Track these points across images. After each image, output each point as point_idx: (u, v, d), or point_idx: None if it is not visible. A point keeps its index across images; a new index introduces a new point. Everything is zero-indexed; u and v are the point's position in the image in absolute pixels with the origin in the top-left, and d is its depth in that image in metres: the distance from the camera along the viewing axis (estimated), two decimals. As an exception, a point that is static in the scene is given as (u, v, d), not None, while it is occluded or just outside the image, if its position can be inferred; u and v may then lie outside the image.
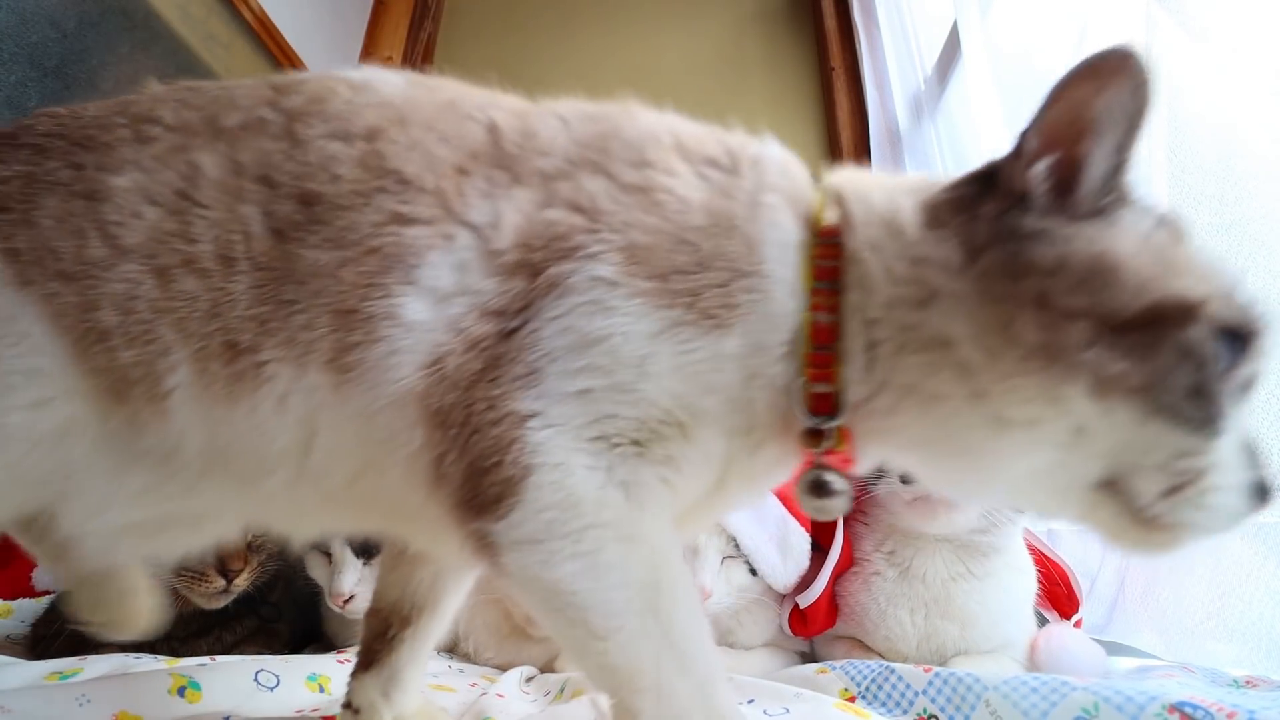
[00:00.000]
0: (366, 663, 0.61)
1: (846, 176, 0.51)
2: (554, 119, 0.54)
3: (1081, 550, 1.15)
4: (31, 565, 0.88)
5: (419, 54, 2.66)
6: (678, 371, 0.42)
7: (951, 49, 1.74)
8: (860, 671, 0.85)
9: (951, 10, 1.69)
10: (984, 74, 1.47)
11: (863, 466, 0.48)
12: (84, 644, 0.88)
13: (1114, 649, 1.00)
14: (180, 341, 0.47)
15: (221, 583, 0.94)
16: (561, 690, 0.86)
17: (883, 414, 0.45)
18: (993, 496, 0.43)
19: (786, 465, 0.48)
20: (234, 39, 2.05)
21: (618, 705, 0.41)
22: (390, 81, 0.54)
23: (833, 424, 0.44)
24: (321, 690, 0.77)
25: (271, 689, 0.72)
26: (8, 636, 0.98)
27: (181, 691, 0.63)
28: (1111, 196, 0.42)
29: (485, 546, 0.42)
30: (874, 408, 0.45)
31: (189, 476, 0.50)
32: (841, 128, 2.13)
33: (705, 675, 0.40)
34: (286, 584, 1.10)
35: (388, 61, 2.61)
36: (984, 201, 0.44)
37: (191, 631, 0.93)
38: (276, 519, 0.57)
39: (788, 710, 0.69)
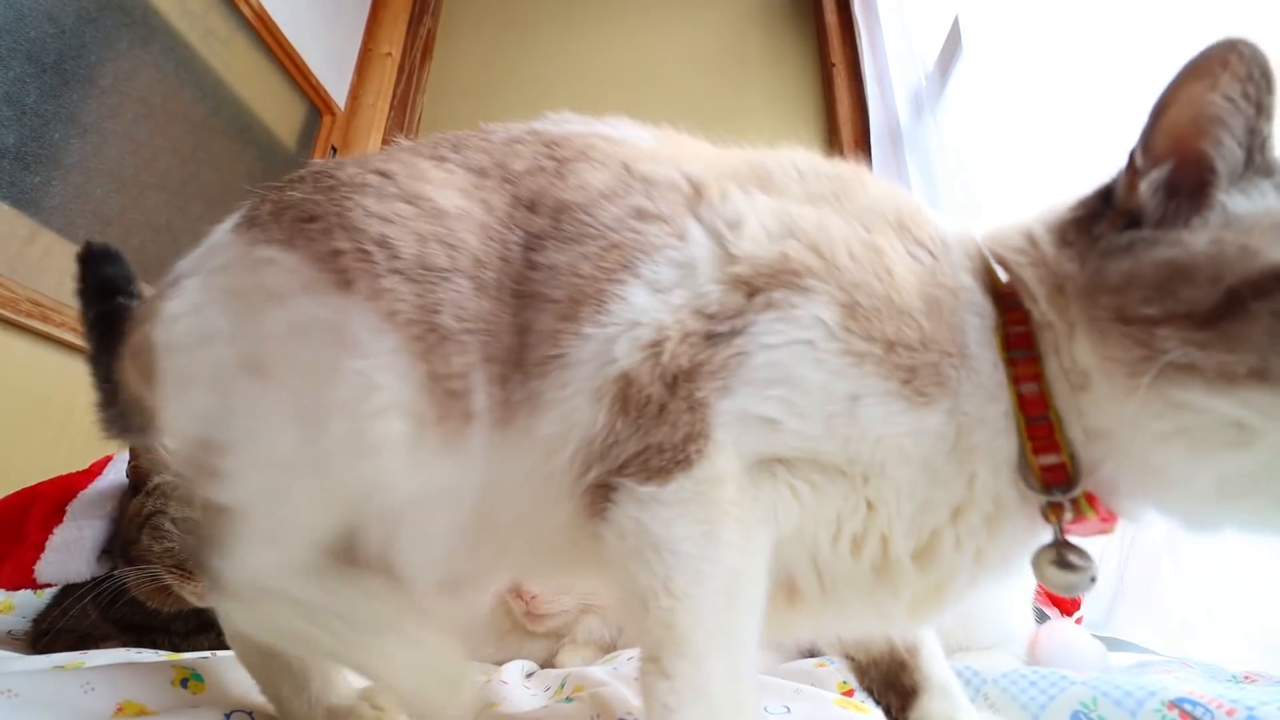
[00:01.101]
0: (910, 695, 0.59)
1: (995, 230, 0.51)
2: (790, 166, 0.55)
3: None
4: (34, 556, 0.88)
5: (418, 50, 2.65)
6: (871, 437, 0.44)
7: (953, 45, 1.74)
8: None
9: (953, 6, 1.69)
10: (985, 70, 1.47)
11: (1130, 518, 0.46)
12: (85, 640, 0.89)
13: (1114, 644, 1.01)
14: (481, 361, 0.48)
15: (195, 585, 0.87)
16: (562, 685, 0.86)
17: (1113, 461, 0.43)
18: (1232, 521, 0.42)
19: (1035, 539, 0.47)
20: (233, 35, 2.05)
21: (652, 663, 0.42)
22: (644, 135, 0.59)
23: (1072, 494, 0.43)
24: (323, 685, 0.78)
25: (273, 683, 0.72)
26: (9, 632, 0.98)
27: (185, 683, 0.63)
28: (1249, 180, 0.41)
29: (605, 497, 0.45)
30: (1101, 458, 0.44)
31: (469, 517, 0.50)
32: (842, 124, 2.12)
33: (743, 671, 0.43)
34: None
35: (386, 58, 2.60)
36: (1099, 220, 0.44)
37: (192, 628, 0.92)
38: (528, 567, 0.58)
39: (788, 709, 0.69)
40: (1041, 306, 0.45)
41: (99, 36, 1.61)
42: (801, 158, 0.56)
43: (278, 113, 2.25)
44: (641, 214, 0.50)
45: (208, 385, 0.50)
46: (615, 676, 0.79)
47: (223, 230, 0.57)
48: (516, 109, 2.30)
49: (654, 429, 0.45)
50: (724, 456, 0.44)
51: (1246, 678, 0.76)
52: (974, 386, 0.45)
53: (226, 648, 0.94)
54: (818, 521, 0.46)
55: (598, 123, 0.60)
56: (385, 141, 2.49)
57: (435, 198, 0.51)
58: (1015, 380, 0.45)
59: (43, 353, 1.44)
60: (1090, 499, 0.44)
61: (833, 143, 2.15)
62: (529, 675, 0.97)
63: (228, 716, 0.57)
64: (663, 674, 0.41)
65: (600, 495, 0.46)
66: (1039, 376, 0.45)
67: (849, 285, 0.45)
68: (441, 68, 2.69)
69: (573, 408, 0.47)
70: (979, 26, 1.58)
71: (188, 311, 0.52)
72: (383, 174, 0.52)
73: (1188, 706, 0.55)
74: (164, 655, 0.80)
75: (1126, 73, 1.11)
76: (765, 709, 0.71)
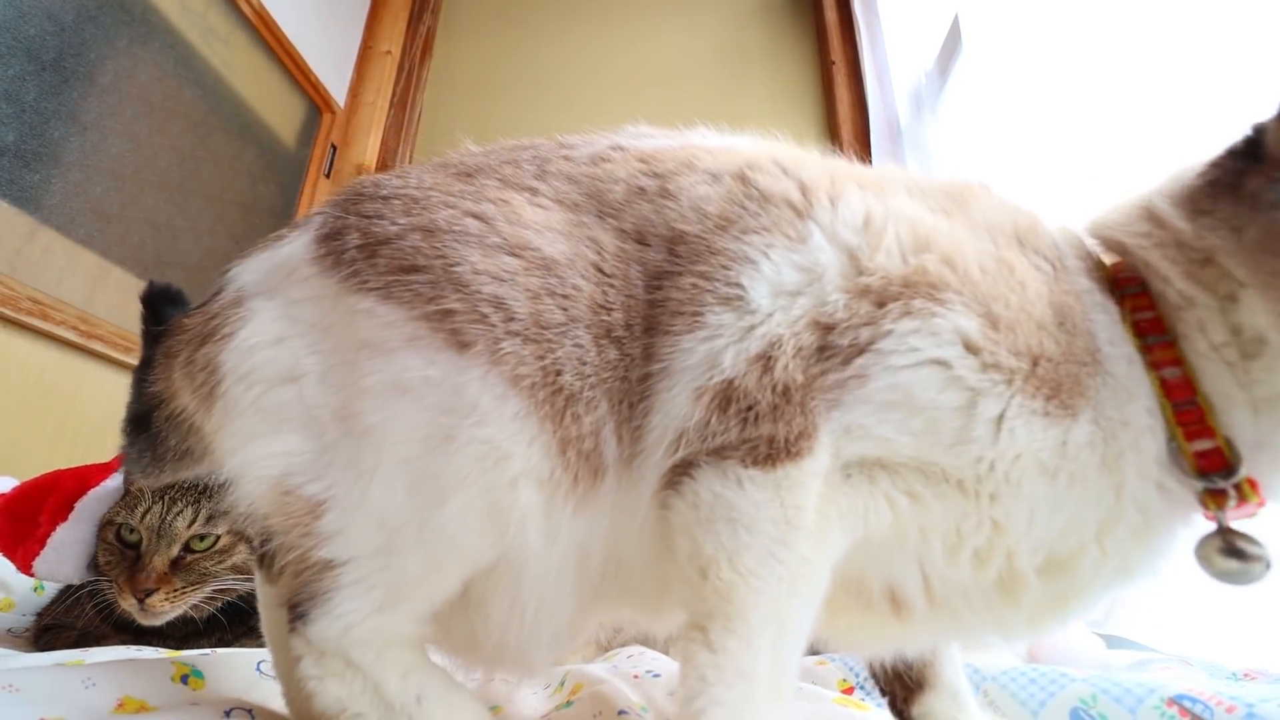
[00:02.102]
0: (919, 685, 0.58)
1: (1100, 218, 0.50)
2: (902, 183, 0.53)
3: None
4: (36, 550, 0.88)
5: (418, 48, 2.65)
6: (1009, 456, 0.42)
7: (953, 42, 1.74)
8: (859, 663, 0.85)
9: (953, 4, 1.69)
10: (985, 68, 1.47)
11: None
12: (85, 638, 0.88)
13: (1113, 642, 1.01)
14: (610, 412, 0.47)
15: (134, 601, 0.83)
16: (561, 684, 0.86)
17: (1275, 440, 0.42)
18: None
19: (1178, 535, 0.45)
20: (232, 33, 2.05)
21: (698, 631, 0.42)
22: (744, 142, 0.57)
23: (1234, 479, 0.41)
24: (323, 682, 0.78)
25: (274, 679, 0.72)
26: (9, 630, 0.98)
27: (185, 679, 0.63)
28: None
29: (685, 472, 0.45)
30: (1265, 438, 0.42)
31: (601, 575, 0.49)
32: (842, 121, 2.12)
33: (788, 661, 0.42)
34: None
35: (386, 56, 2.60)
36: (1244, 178, 0.42)
37: (189, 633, 0.90)
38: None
39: (788, 704, 0.69)
40: (1177, 285, 0.43)
41: (98, 34, 1.61)
42: (912, 171, 0.55)
43: (277, 111, 2.25)
44: (756, 225, 0.49)
45: (299, 429, 0.47)
46: (614, 674, 0.79)
47: (297, 248, 0.52)
48: (516, 107, 2.31)
49: (762, 424, 0.44)
50: (828, 455, 0.44)
51: (1246, 675, 0.76)
52: (1112, 388, 0.43)
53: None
54: (926, 532, 0.44)
55: (681, 134, 0.58)
56: (385, 141, 2.49)
57: (541, 246, 0.48)
58: (1154, 367, 0.43)
59: (42, 350, 1.44)
60: (1251, 483, 0.42)
61: (833, 140, 2.15)
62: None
63: (228, 714, 0.57)
64: (708, 645, 0.41)
65: (680, 471, 0.45)
66: (1180, 360, 0.43)
67: (986, 299, 0.44)
68: (441, 66, 2.69)
69: (673, 407, 0.46)
70: (979, 25, 1.58)
71: (267, 343, 0.49)
72: (479, 217, 0.49)
73: (1187, 703, 0.55)
74: (164, 652, 0.80)
75: (1126, 70, 1.11)
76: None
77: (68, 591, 0.93)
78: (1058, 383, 0.42)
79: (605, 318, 0.47)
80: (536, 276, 0.47)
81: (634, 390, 0.47)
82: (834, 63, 2.21)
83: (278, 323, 0.49)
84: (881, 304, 0.45)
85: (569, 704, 0.73)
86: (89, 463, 1.04)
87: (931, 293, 0.44)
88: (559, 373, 0.46)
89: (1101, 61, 1.21)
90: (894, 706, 0.59)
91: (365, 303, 0.47)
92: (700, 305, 0.47)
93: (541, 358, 0.45)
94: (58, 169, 1.51)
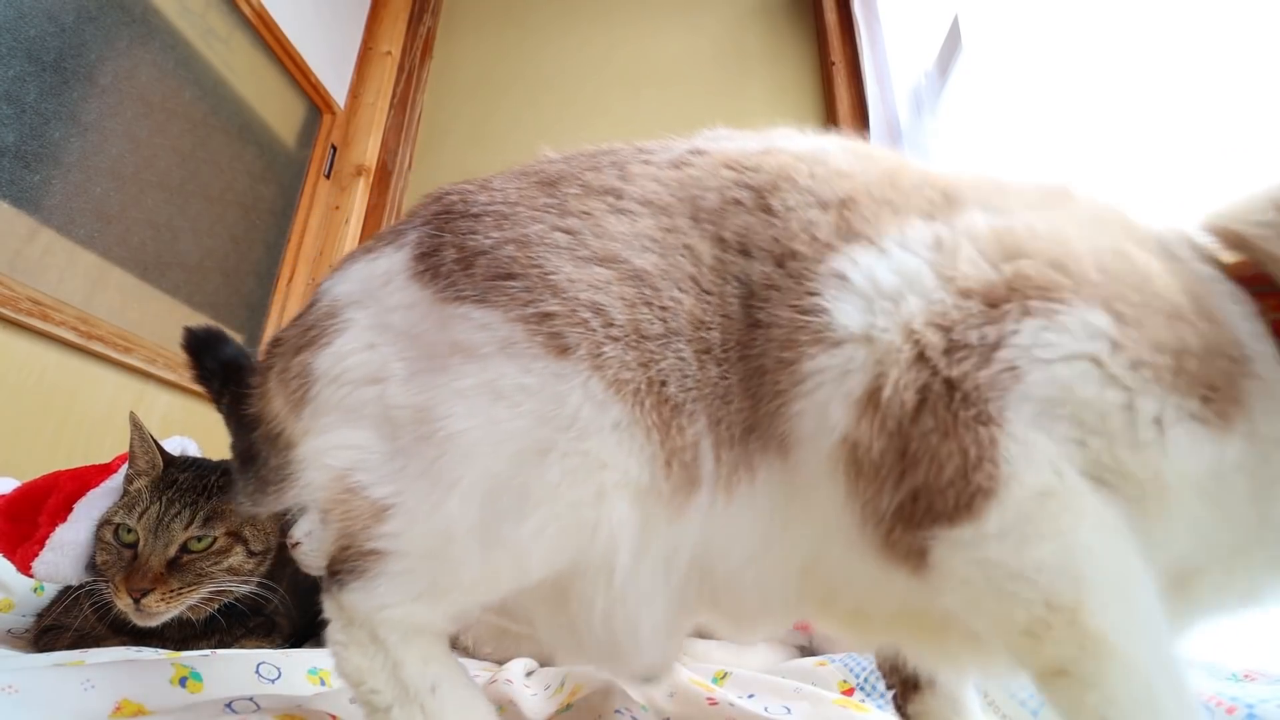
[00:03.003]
0: (914, 686, 0.58)
1: (1218, 211, 0.47)
2: (987, 180, 0.51)
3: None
4: (35, 551, 0.88)
5: (418, 49, 2.65)
6: (1175, 471, 0.38)
7: (952, 44, 1.74)
8: (859, 664, 0.85)
9: (953, 5, 1.69)
10: (985, 69, 1.47)
11: None
12: (84, 639, 0.88)
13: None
14: (709, 428, 0.45)
15: (130, 601, 0.82)
16: (561, 684, 0.86)
17: None
18: None
19: None
20: (232, 33, 2.05)
21: (1061, 677, 0.38)
22: (832, 149, 0.55)
23: None
24: (323, 683, 0.78)
25: (273, 681, 0.72)
26: (9, 631, 0.98)
27: (183, 682, 0.63)
28: None
29: (921, 554, 0.41)
30: None
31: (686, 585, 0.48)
32: (842, 122, 2.12)
33: (1171, 659, 0.38)
34: (293, 580, 1.08)
35: (386, 56, 2.60)
36: None
37: (188, 635, 0.90)
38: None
39: (789, 710, 0.69)
40: None
41: (99, 35, 1.61)
42: (994, 173, 0.52)
43: (277, 111, 2.25)
44: (845, 239, 0.46)
45: (373, 426, 0.47)
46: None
47: (391, 262, 0.52)
48: (517, 107, 2.31)
49: (911, 474, 0.40)
50: (1029, 468, 0.38)
51: (1246, 676, 0.76)
52: (1264, 396, 0.38)
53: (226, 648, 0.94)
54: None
55: (764, 137, 0.55)
56: (385, 142, 2.49)
57: (629, 258, 0.47)
58: None
59: (42, 351, 1.44)
60: None
61: (833, 141, 2.15)
62: (529, 674, 0.97)
63: (229, 705, 0.56)
64: (1086, 684, 0.36)
65: (910, 551, 0.41)
66: None
67: (1109, 295, 0.40)
68: (441, 66, 2.69)
69: (817, 484, 0.43)
70: (979, 25, 1.58)
71: (359, 348, 0.49)
72: (567, 231, 0.48)
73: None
74: (164, 654, 0.80)
75: (1126, 71, 1.11)
76: (765, 709, 0.72)
77: (67, 593, 0.93)
78: (1210, 382, 0.38)
79: (704, 334, 0.46)
80: (630, 286, 0.46)
81: (738, 416, 0.45)
82: (834, 63, 2.21)
83: (370, 330, 0.50)
84: (993, 304, 0.41)
85: (568, 707, 0.73)
86: (89, 463, 1.04)
87: (1044, 293, 0.41)
88: (664, 383, 0.44)
89: (1102, 62, 1.21)
90: (896, 701, 0.59)
91: (461, 309, 0.47)
92: (798, 349, 0.44)
93: (645, 366, 0.44)
94: (58, 169, 1.51)
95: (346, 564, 0.47)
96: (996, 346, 0.40)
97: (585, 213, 0.49)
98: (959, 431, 0.39)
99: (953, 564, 0.40)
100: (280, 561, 1.02)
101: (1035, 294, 0.41)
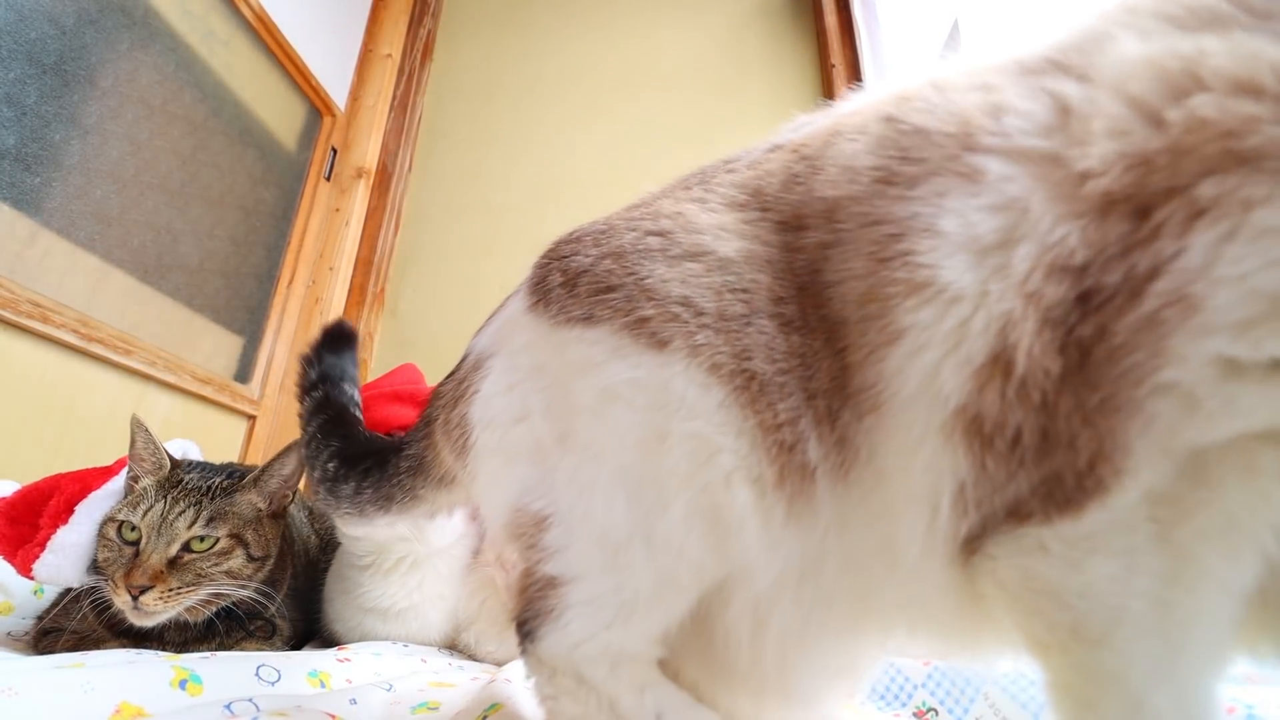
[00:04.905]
0: None
1: None
2: (1117, 23, 0.39)
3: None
4: (36, 554, 0.88)
5: (418, 51, 2.66)
6: None
7: (953, 46, 1.74)
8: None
9: (953, 7, 1.69)
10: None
11: None
12: (85, 642, 0.88)
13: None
14: (805, 402, 0.43)
15: (128, 598, 0.83)
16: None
17: None
18: None
19: None
20: (233, 35, 2.05)
21: (1067, 692, 0.36)
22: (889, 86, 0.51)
23: None
24: (322, 685, 0.78)
25: (272, 683, 0.72)
26: (9, 633, 0.98)
27: (183, 684, 0.63)
28: None
29: (974, 549, 0.38)
30: None
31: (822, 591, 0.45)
32: (841, 125, 2.13)
33: (1195, 705, 0.34)
34: (293, 586, 1.08)
35: (386, 59, 2.61)
36: None
37: (188, 638, 0.91)
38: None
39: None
40: None
41: (99, 38, 1.61)
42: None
43: (278, 114, 2.25)
44: (917, 174, 0.39)
45: (528, 459, 0.50)
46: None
47: (516, 304, 0.56)
48: (517, 109, 2.31)
49: (1042, 460, 0.34)
50: (1152, 466, 0.32)
51: (1246, 677, 0.76)
52: None
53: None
54: None
55: (830, 108, 0.53)
56: (385, 144, 2.50)
57: (716, 248, 0.48)
58: None
59: (43, 353, 1.44)
60: None
61: (832, 144, 2.15)
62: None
63: (228, 707, 0.56)
64: (1086, 705, 0.35)
65: (970, 548, 0.38)
66: None
67: None
68: (442, 69, 2.69)
69: (919, 454, 0.38)
70: (978, 29, 1.59)
71: (500, 391, 0.53)
72: (658, 233, 0.50)
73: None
74: (163, 656, 0.80)
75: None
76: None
77: (67, 595, 0.93)
78: None
79: (783, 309, 0.45)
80: (717, 275, 0.47)
81: (832, 384, 0.43)
82: (834, 65, 2.22)
83: (507, 373, 0.54)
84: (1145, 213, 0.31)
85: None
86: (89, 465, 1.04)
87: (1230, 156, 0.28)
88: (749, 357, 0.44)
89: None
90: None
91: (572, 332, 0.49)
92: (887, 303, 0.39)
93: (732, 345, 0.45)
94: (58, 172, 1.51)
95: (532, 609, 0.47)
96: (1154, 275, 0.30)
97: (677, 213, 0.51)
98: (1091, 419, 0.32)
99: (1002, 566, 0.36)
100: (280, 567, 1.02)
101: (1213, 165, 0.29)
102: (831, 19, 2.29)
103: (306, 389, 0.78)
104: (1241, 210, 0.28)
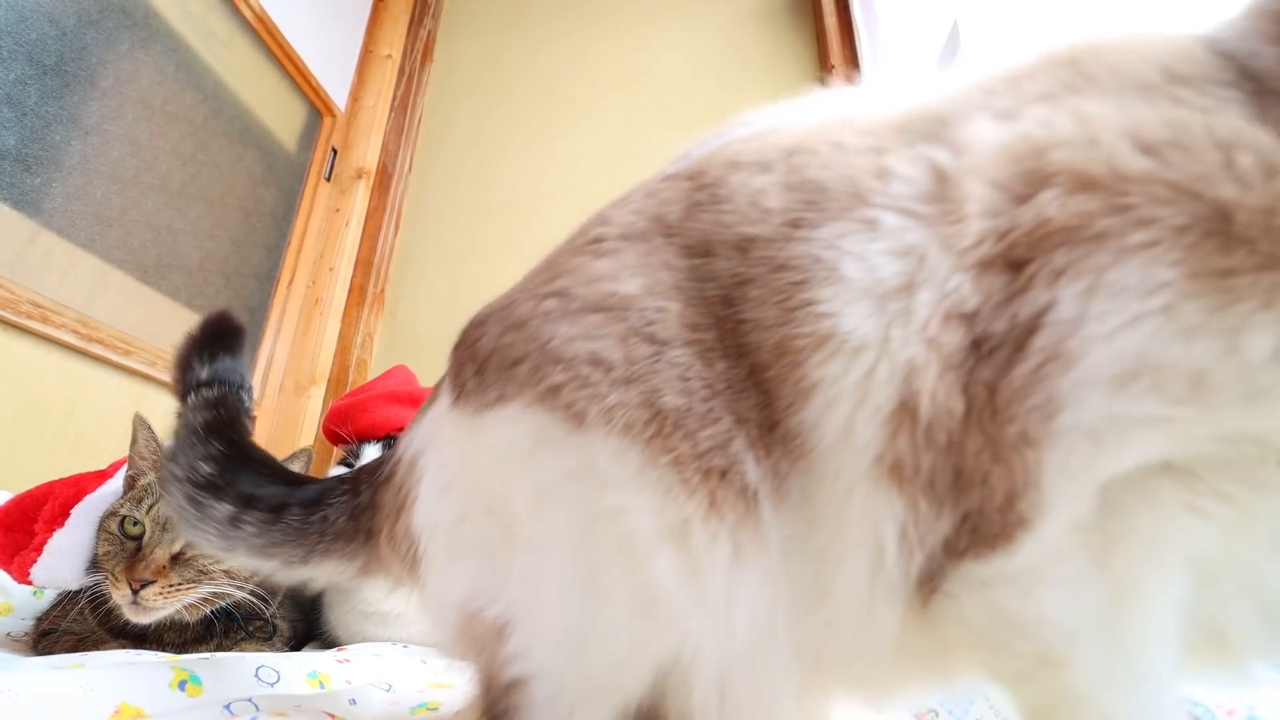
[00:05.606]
0: None
1: (1220, 22, 0.39)
2: (999, 79, 0.44)
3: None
4: (33, 558, 0.88)
5: (418, 52, 2.66)
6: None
7: (952, 47, 1.74)
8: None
9: (952, 8, 1.69)
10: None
11: None
12: (84, 643, 0.88)
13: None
14: (735, 425, 0.41)
15: (128, 592, 0.83)
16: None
17: None
18: None
19: None
20: (233, 36, 2.05)
21: (1044, 715, 0.37)
22: (778, 115, 0.51)
23: None
24: (322, 686, 0.78)
25: (272, 684, 0.72)
26: (8, 634, 0.98)
27: (182, 685, 0.63)
28: None
29: (932, 589, 0.38)
30: None
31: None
32: (841, 126, 2.13)
33: (1163, 709, 0.35)
34: (292, 588, 1.08)
35: (387, 59, 2.61)
36: None
37: (187, 639, 0.91)
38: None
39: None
40: None
41: (100, 38, 1.61)
42: (992, 64, 0.43)
43: (278, 114, 2.25)
44: (819, 219, 0.40)
45: (474, 555, 0.47)
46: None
47: (442, 399, 0.53)
48: (517, 110, 2.31)
49: (960, 498, 0.36)
50: (1072, 495, 0.34)
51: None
52: None
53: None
54: (1253, 545, 0.34)
55: (718, 134, 0.52)
56: (385, 145, 2.50)
57: (616, 289, 0.45)
58: None
59: (43, 354, 1.44)
60: None
61: (832, 144, 2.15)
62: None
63: (227, 707, 0.56)
64: None
65: (928, 588, 0.38)
66: None
67: (1173, 195, 0.31)
68: (442, 69, 2.69)
69: (851, 502, 0.39)
70: (978, 30, 1.59)
71: (436, 494, 0.50)
72: (557, 294, 0.47)
73: (1187, 706, 0.55)
74: (163, 656, 0.80)
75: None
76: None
77: (66, 596, 0.93)
78: None
79: (701, 335, 0.43)
80: (620, 322, 0.44)
81: (761, 412, 0.41)
82: (834, 66, 2.22)
83: (440, 472, 0.50)
84: (1017, 267, 0.34)
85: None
86: (88, 465, 1.04)
87: (1075, 240, 0.32)
88: (661, 395, 0.42)
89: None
90: None
91: (490, 416, 0.46)
92: (797, 356, 0.39)
93: (643, 391, 0.42)
94: (59, 173, 1.51)
95: (496, 708, 0.45)
96: (1033, 329, 0.33)
97: (573, 268, 0.49)
98: (1002, 456, 0.34)
99: (963, 605, 0.37)
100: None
101: (1068, 239, 0.33)
102: (831, 19, 2.29)
103: (193, 385, 0.66)
104: (1095, 272, 0.32)
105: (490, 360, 0.47)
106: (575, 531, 0.42)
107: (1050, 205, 0.34)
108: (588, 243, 0.50)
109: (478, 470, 0.48)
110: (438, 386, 0.56)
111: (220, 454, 0.60)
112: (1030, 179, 0.35)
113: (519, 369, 0.45)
